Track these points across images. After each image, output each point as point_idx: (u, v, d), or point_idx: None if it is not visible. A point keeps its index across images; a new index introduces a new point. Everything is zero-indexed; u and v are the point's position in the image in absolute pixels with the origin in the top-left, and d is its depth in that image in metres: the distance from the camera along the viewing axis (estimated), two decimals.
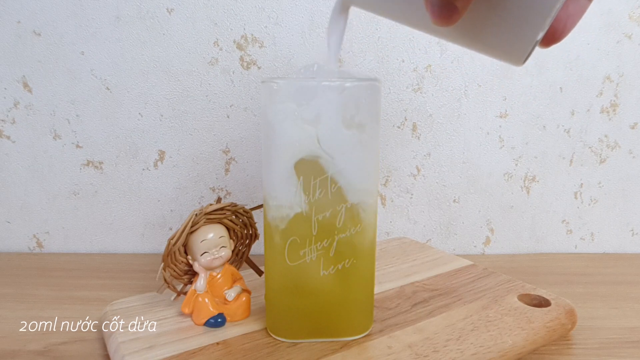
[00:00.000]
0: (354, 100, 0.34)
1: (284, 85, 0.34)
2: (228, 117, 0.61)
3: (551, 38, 0.27)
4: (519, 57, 0.26)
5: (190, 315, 0.40)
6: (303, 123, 0.34)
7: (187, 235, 0.39)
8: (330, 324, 0.37)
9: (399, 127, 0.62)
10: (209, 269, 0.40)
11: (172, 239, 0.39)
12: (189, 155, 0.62)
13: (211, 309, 0.40)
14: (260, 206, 0.41)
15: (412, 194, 0.64)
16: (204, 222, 0.40)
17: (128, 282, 0.53)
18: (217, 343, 0.37)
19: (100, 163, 0.62)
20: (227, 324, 0.40)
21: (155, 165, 0.62)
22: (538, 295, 0.45)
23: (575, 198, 0.65)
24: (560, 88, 0.62)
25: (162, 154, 0.62)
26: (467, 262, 0.53)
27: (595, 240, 0.66)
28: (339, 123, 0.34)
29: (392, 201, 0.65)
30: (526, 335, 0.39)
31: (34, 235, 0.63)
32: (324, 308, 0.37)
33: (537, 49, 0.27)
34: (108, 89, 0.60)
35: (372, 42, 0.60)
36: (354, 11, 0.60)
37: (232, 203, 0.42)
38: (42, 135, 0.61)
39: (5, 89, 0.59)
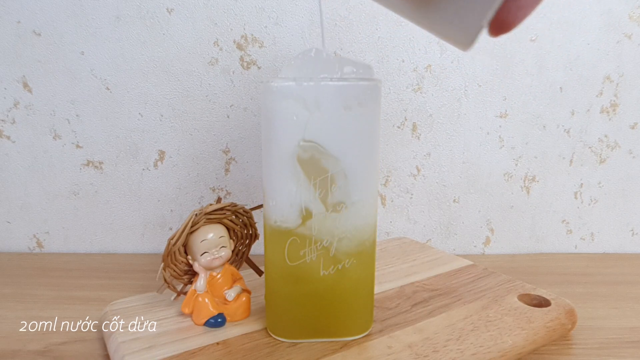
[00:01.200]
0: (353, 100, 0.34)
1: (283, 86, 0.33)
2: (228, 117, 0.61)
3: (499, 28, 0.28)
4: (466, 43, 0.27)
5: (190, 315, 0.40)
6: (303, 122, 0.34)
7: (187, 235, 0.39)
8: (330, 324, 0.37)
9: (399, 127, 0.62)
10: (209, 269, 0.40)
11: (172, 239, 0.39)
12: (189, 155, 0.62)
13: (211, 309, 0.40)
14: (260, 206, 0.41)
15: (412, 194, 0.64)
16: (204, 222, 0.40)
17: (128, 282, 0.53)
18: (217, 343, 0.37)
19: (100, 163, 0.62)
20: (227, 324, 0.40)
21: (155, 165, 0.62)
22: (538, 295, 0.45)
23: (575, 198, 0.65)
24: (560, 88, 0.62)
25: (162, 154, 0.62)
26: (467, 262, 0.53)
27: (595, 240, 0.66)
28: (339, 123, 0.34)
29: (392, 201, 0.65)
30: (526, 335, 0.39)
31: (34, 235, 0.63)
32: (324, 308, 0.37)
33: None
34: (108, 89, 0.60)
35: (372, 42, 0.60)
36: (355, 11, 0.60)
37: (232, 203, 0.42)
38: (42, 135, 0.61)
39: (5, 89, 0.59)
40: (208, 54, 0.59)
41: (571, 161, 0.64)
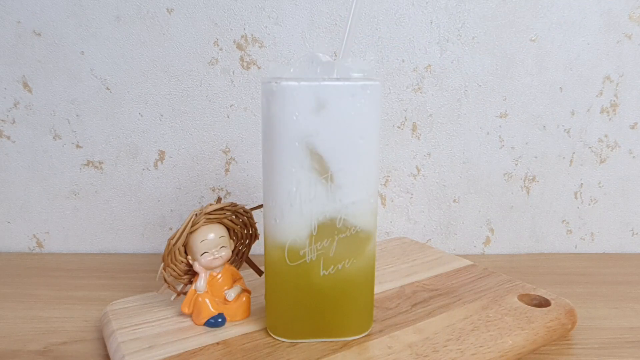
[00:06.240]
0: (353, 100, 0.34)
1: (283, 86, 0.33)
2: (228, 117, 0.61)
3: None
4: None
5: (190, 315, 0.41)
6: (303, 122, 0.34)
7: (187, 235, 0.39)
8: (330, 324, 0.37)
9: (399, 127, 0.62)
10: (209, 269, 0.40)
11: (172, 239, 0.39)
12: (189, 155, 0.62)
13: (211, 309, 0.40)
14: (260, 206, 0.41)
15: (412, 194, 0.64)
16: (204, 222, 0.40)
17: (128, 282, 0.53)
18: (217, 343, 0.37)
19: (100, 163, 0.62)
20: (227, 324, 0.40)
21: (155, 165, 0.62)
22: (538, 295, 0.45)
23: (575, 198, 0.65)
24: (560, 88, 0.62)
25: (162, 154, 0.62)
26: (467, 262, 0.53)
27: (595, 240, 0.66)
28: (339, 123, 0.34)
29: (392, 201, 0.65)
30: (526, 335, 0.39)
31: (34, 235, 0.63)
32: (324, 308, 0.37)
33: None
34: (108, 89, 0.60)
35: (372, 42, 0.60)
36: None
37: (232, 203, 0.42)
38: (42, 135, 0.61)
39: (5, 89, 0.59)
40: (208, 54, 0.59)
41: (571, 161, 0.64)
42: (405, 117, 0.62)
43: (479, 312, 0.42)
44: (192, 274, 0.42)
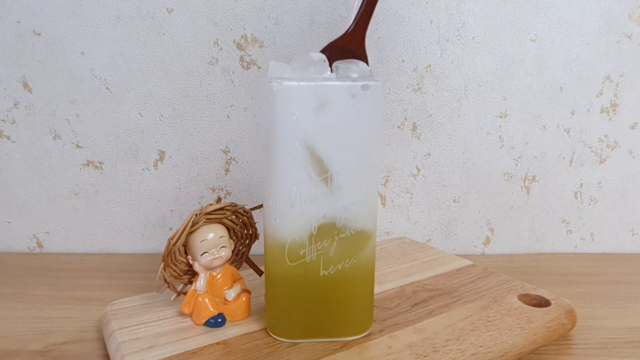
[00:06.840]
0: (353, 99, 0.34)
1: (283, 86, 0.33)
2: (228, 117, 0.61)
3: None
4: None
5: (190, 315, 0.41)
6: (302, 122, 0.34)
7: (187, 235, 0.39)
8: (330, 324, 0.38)
9: (399, 127, 0.62)
10: (209, 269, 0.40)
11: (172, 239, 0.39)
12: (189, 155, 0.62)
13: (211, 309, 0.40)
14: (260, 206, 0.41)
15: (412, 194, 0.64)
16: (204, 222, 0.40)
17: (128, 282, 0.53)
18: (217, 343, 0.37)
19: (100, 163, 0.62)
20: (227, 324, 0.40)
21: (155, 165, 0.62)
22: (538, 295, 0.45)
23: (575, 198, 0.65)
24: (560, 88, 0.62)
25: (162, 154, 0.62)
26: (467, 262, 0.53)
27: (595, 240, 0.66)
28: (339, 123, 0.34)
29: (392, 201, 0.65)
30: (526, 335, 0.39)
31: (34, 235, 0.63)
32: (324, 308, 0.37)
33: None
34: (108, 89, 0.60)
35: (372, 42, 0.60)
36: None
37: (232, 203, 0.42)
38: (42, 135, 0.61)
39: (5, 89, 0.59)
40: (208, 54, 0.59)
41: (571, 161, 0.64)
42: (405, 117, 0.62)
43: (479, 312, 0.42)
44: (192, 274, 0.42)
